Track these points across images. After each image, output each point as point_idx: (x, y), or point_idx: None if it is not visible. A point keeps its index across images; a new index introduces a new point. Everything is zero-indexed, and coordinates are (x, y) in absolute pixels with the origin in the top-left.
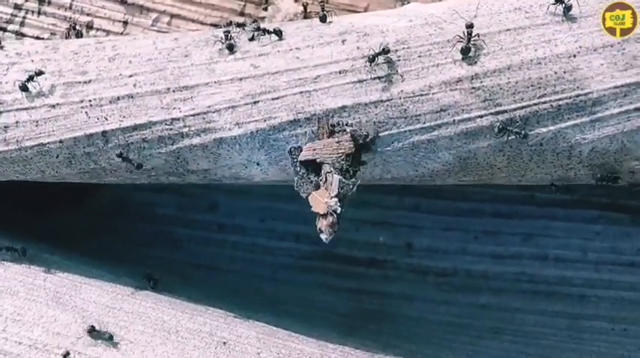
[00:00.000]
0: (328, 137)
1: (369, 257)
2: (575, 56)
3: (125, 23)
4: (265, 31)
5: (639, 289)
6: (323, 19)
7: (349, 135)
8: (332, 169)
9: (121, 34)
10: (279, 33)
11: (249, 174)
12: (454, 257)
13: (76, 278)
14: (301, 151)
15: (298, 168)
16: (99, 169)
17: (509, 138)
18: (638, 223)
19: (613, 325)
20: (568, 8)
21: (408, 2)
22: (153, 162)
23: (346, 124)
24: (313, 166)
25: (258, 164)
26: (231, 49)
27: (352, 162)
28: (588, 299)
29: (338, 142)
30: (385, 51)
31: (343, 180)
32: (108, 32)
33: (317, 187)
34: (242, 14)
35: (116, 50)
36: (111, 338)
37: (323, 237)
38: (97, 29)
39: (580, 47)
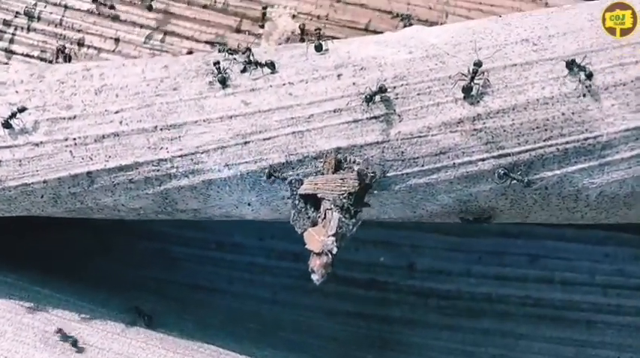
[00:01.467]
0: (333, 172)
1: (369, 278)
2: (584, 96)
3: (117, 40)
4: (257, 64)
5: None
6: (318, 49)
7: (355, 173)
8: (332, 206)
9: (113, 51)
10: (271, 66)
11: (241, 213)
12: (458, 279)
13: (65, 315)
14: (302, 184)
15: (297, 202)
16: (85, 208)
17: (512, 183)
18: None
19: (620, 353)
20: (589, 76)
21: (409, 21)
22: (140, 202)
23: (353, 162)
24: (313, 201)
25: (249, 204)
26: (223, 82)
27: (355, 201)
28: (595, 325)
29: (342, 179)
30: (382, 90)
31: (343, 219)
32: (99, 49)
33: (314, 224)
34: (238, 31)
35: (103, 80)
36: None
37: (314, 277)
38: (89, 46)
39: (590, 86)
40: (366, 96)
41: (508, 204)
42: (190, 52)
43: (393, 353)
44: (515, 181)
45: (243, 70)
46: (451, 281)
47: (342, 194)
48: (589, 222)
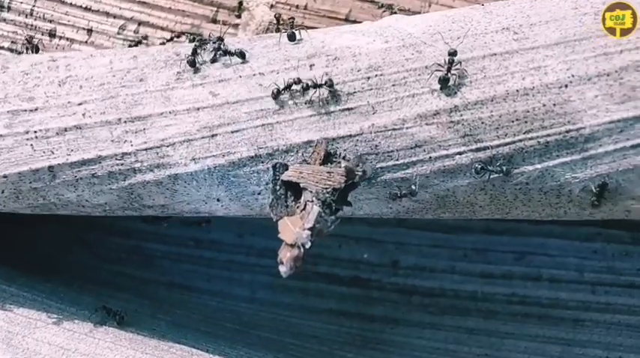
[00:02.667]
0: (321, 164)
1: (352, 275)
2: (566, 86)
3: (90, 31)
4: (227, 53)
5: (637, 313)
6: (291, 38)
7: (344, 169)
8: (314, 199)
9: (86, 42)
10: (241, 55)
11: (210, 209)
12: (442, 276)
13: (32, 314)
14: (287, 169)
15: (277, 187)
16: (49, 204)
17: (491, 176)
18: (638, 241)
19: (608, 352)
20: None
21: (392, 11)
22: (105, 198)
23: (343, 157)
24: (294, 190)
25: (218, 200)
26: (193, 64)
27: (338, 198)
28: (583, 323)
29: (329, 173)
30: (328, 84)
31: (322, 213)
32: (72, 41)
33: (291, 214)
34: (214, 21)
35: (69, 71)
36: None
37: (282, 269)
38: (60, 37)
39: (572, 76)
40: (272, 92)
41: (488, 199)
42: (164, 44)
43: (374, 352)
44: (494, 174)
45: (214, 60)
46: (435, 279)
47: (327, 188)
48: (573, 218)
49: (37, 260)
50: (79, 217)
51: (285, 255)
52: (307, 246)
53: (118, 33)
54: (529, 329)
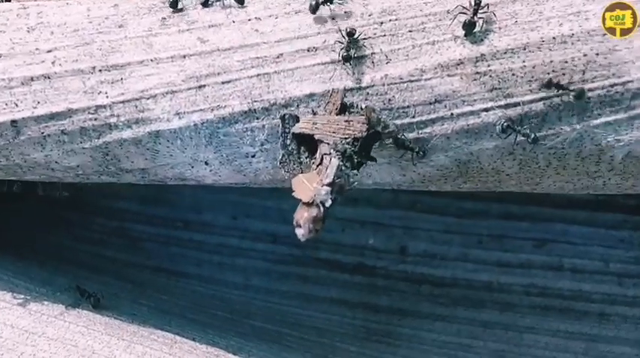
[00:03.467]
0: (337, 114)
1: (355, 262)
2: None
3: None
4: None
5: None
6: None
7: (365, 116)
8: (332, 151)
9: None
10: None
11: (197, 175)
12: (454, 264)
13: None
14: (297, 121)
15: (288, 141)
16: (13, 166)
17: (517, 139)
18: None
19: (637, 350)
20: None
21: None
22: (76, 159)
23: (362, 108)
24: (308, 144)
25: (206, 163)
26: (175, 5)
27: (360, 149)
28: (608, 318)
29: (348, 122)
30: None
31: (343, 167)
32: None
33: (306, 170)
34: None
35: (41, 18)
36: None
37: (299, 232)
38: None
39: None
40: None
41: (516, 166)
42: None
43: (378, 345)
44: (521, 137)
45: (205, 4)
46: (446, 267)
47: (346, 138)
48: (612, 191)
49: (13, 238)
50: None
51: (302, 215)
52: (327, 205)
53: None
54: (550, 323)
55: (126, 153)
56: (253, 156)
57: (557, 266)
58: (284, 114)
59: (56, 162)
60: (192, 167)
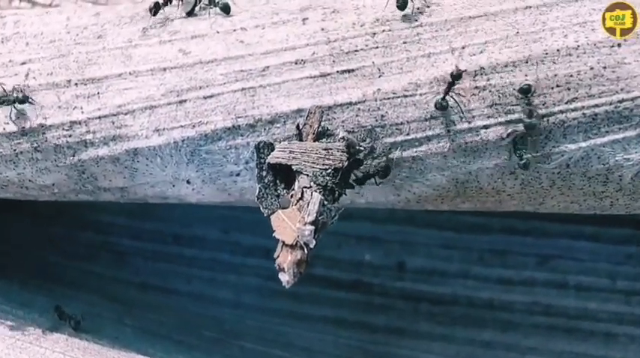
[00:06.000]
0: (314, 139)
1: (352, 279)
2: (619, 45)
3: None
4: (211, 2)
5: None
6: None
7: (344, 142)
8: (312, 184)
9: (50, 5)
10: (226, 8)
11: (179, 194)
12: (453, 281)
13: None
14: (273, 150)
15: (264, 173)
16: None
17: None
18: None
19: None
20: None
21: None
22: (51, 177)
23: (343, 128)
24: (285, 175)
25: (188, 182)
26: (155, 12)
27: (340, 180)
28: (616, 338)
29: (327, 150)
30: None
31: (325, 202)
32: (33, 3)
33: (285, 206)
34: None
35: (17, 28)
36: None
37: (283, 278)
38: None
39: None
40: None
41: (518, 186)
42: None
43: None
44: (518, 157)
45: (190, 13)
46: (446, 284)
47: (326, 168)
48: (620, 211)
49: None
50: (44, 207)
51: (286, 258)
52: (312, 246)
53: None
54: (554, 343)
55: (103, 172)
56: (238, 175)
57: (562, 283)
58: (259, 143)
59: (30, 180)
60: (174, 186)
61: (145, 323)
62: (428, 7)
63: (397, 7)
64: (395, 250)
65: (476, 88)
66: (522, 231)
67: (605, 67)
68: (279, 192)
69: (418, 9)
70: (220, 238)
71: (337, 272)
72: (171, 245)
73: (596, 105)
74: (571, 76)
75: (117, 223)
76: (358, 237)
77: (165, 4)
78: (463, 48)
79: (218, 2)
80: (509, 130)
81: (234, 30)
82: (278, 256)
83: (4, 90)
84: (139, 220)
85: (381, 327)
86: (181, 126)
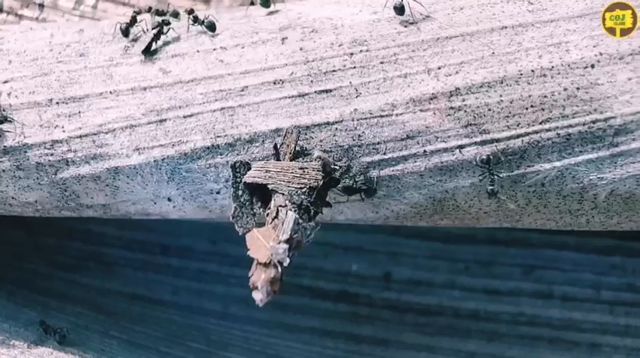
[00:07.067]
0: (291, 159)
1: (338, 289)
2: (593, 66)
3: (41, 6)
4: (196, 20)
5: None
6: (265, 4)
7: (320, 162)
8: (287, 203)
9: (36, 19)
10: (212, 27)
11: (161, 211)
12: (440, 291)
13: None
14: (249, 169)
15: (240, 192)
16: None
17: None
18: None
19: None
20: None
21: None
22: (34, 195)
23: (319, 147)
24: (261, 194)
25: (169, 200)
26: (126, 33)
27: (315, 199)
28: (600, 348)
29: (302, 169)
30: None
31: (300, 220)
32: (20, 16)
33: (260, 224)
34: None
35: (1, 45)
36: None
37: (257, 297)
38: (8, 12)
39: (600, 54)
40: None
41: (494, 203)
42: None
43: None
44: (491, 176)
45: (145, 50)
46: (432, 295)
47: (302, 187)
48: (596, 228)
49: None
50: (32, 217)
51: (260, 277)
52: (286, 264)
53: (74, 8)
54: (539, 353)
55: (85, 190)
56: (218, 193)
57: (547, 293)
58: (235, 163)
59: (13, 197)
60: (155, 203)
61: (131, 335)
62: (428, 16)
63: (395, 12)
64: (381, 260)
65: (451, 108)
66: (507, 241)
67: (578, 88)
68: (254, 211)
69: (413, 21)
70: (208, 249)
71: (324, 282)
72: (158, 255)
73: (570, 126)
74: (545, 96)
75: (107, 233)
76: (345, 248)
77: (131, 24)
78: (439, 68)
79: (204, 21)
80: (483, 156)
81: (214, 49)
82: (252, 275)
83: None
84: (128, 230)
85: (367, 338)
86: (161, 146)
